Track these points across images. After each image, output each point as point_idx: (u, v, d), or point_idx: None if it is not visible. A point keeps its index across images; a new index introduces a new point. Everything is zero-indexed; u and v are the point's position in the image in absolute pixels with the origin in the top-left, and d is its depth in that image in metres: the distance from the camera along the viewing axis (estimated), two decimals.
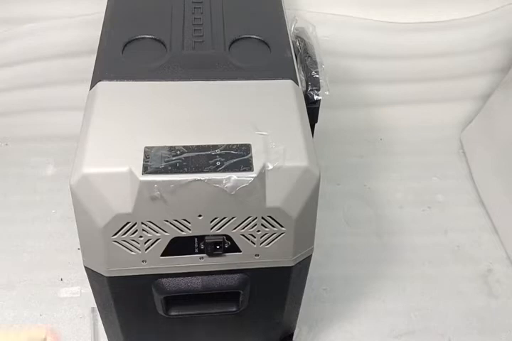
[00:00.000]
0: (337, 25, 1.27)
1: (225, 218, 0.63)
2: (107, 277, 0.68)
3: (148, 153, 0.60)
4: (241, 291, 0.73)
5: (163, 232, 0.63)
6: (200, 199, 0.60)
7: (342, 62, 1.33)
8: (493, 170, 1.28)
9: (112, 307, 0.74)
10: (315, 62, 0.82)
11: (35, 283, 1.10)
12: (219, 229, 0.64)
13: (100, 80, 0.69)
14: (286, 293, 0.78)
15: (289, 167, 0.61)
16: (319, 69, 0.80)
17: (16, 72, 1.29)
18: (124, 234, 0.62)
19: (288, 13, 0.88)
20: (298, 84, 0.74)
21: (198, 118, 0.65)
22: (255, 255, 0.68)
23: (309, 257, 0.73)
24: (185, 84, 0.70)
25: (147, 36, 0.77)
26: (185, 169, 0.59)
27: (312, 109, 0.78)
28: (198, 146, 0.61)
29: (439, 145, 1.44)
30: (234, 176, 0.59)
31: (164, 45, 0.76)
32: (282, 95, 0.70)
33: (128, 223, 0.62)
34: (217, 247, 0.65)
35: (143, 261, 0.66)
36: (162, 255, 0.66)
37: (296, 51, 0.84)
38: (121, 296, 0.73)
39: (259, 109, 0.68)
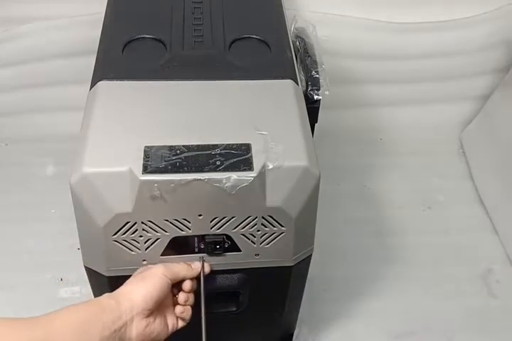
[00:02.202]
0: (337, 25, 1.28)
1: (225, 218, 0.63)
2: (107, 277, 0.68)
3: (148, 153, 0.60)
4: (241, 291, 0.73)
5: (163, 232, 0.63)
6: (200, 198, 0.60)
7: (342, 62, 1.33)
8: (493, 170, 1.28)
9: None
10: (315, 62, 0.82)
11: (35, 283, 1.10)
12: (219, 228, 0.64)
13: (100, 80, 0.70)
14: (286, 293, 0.78)
15: (289, 167, 0.61)
16: (319, 69, 0.80)
17: (16, 72, 1.29)
18: (124, 233, 0.62)
19: (288, 13, 0.88)
20: (298, 84, 0.74)
21: (197, 118, 0.65)
22: (255, 255, 0.68)
23: (309, 257, 0.73)
24: (185, 84, 0.70)
25: (147, 36, 0.77)
26: (185, 168, 0.59)
27: (312, 109, 0.78)
28: (198, 146, 0.61)
29: (439, 145, 1.44)
30: (234, 176, 0.59)
31: (164, 45, 0.76)
32: (282, 95, 0.70)
33: (128, 223, 0.61)
34: (217, 247, 0.65)
35: (143, 261, 0.66)
36: (162, 255, 0.66)
37: (296, 51, 0.84)
38: None
39: (259, 109, 0.68)
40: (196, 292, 0.65)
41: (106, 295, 0.57)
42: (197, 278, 0.65)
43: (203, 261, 0.66)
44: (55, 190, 1.26)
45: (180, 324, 0.64)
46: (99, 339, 0.52)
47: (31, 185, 1.29)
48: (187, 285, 0.63)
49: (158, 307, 0.60)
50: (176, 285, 0.63)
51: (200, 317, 0.63)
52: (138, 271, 0.63)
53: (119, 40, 0.76)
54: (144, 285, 0.58)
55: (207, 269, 0.66)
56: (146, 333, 0.58)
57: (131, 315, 0.56)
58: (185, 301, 0.63)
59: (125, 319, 0.55)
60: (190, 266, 0.64)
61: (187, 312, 0.63)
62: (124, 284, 0.59)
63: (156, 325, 0.59)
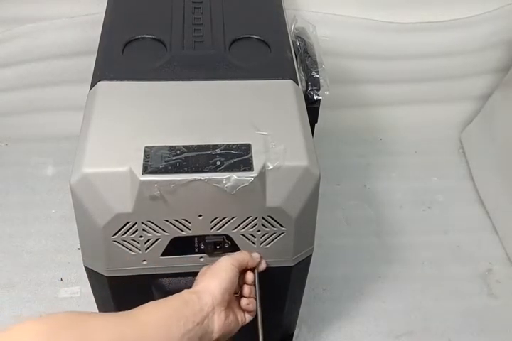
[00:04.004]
0: (337, 25, 1.27)
1: (225, 218, 0.63)
2: (107, 277, 0.68)
3: (148, 153, 0.60)
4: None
5: (163, 232, 0.63)
6: (200, 199, 0.60)
7: (342, 62, 1.33)
8: (492, 170, 1.28)
9: (112, 307, 0.74)
10: (315, 62, 0.82)
11: (35, 283, 1.10)
12: (219, 229, 0.64)
13: (100, 80, 0.70)
14: (286, 293, 0.78)
15: (289, 167, 0.61)
16: (319, 69, 0.80)
17: (16, 72, 1.29)
18: (124, 233, 0.62)
19: (288, 13, 0.89)
20: (298, 84, 0.74)
21: (198, 118, 0.65)
22: None
23: (309, 257, 0.73)
24: (185, 84, 0.70)
25: (147, 36, 0.77)
26: (186, 169, 0.59)
27: (312, 109, 0.78)
28: (198, 146, 0.61)
29: (439, 145, 1.44)
30: (234, 176, 0.59)
31: (164, 45, 0.76)
32: (282, 95, 0.70)
33: (128, 223, 0.62)
34: (218, 247, 0.65)
35: (143, 261, 0.66)
36: (162, 255, 0.66)
37: (296, 51, 0.84)
38: (121, 296, 0.73)
39: (259, 109, 0.68)
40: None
41: (186, 290, 0.58)
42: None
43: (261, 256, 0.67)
44: (55, 190, 1.27)
45: (248, 317, 0.64)
46: (184, 331, 0.53)
47: (31, 185, 1.29)
48: (249, 277, 0.64)
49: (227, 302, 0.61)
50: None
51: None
52: (202, 270, 0.63)
53: (119, 40, 0.76)
54: (218, 279, 0.59)
55: (263, 265, 0.67)
56: (226, 325, 0.59)
57: (212, 307, 0.57)
58: (250, 293, 0.64)
59: (207, 311, 0.56)
60: (250, 255, 0.65)
61: (252, 304, 0.64)
62: (197, 282, 0.61)
63: (232, 318, 0.61)
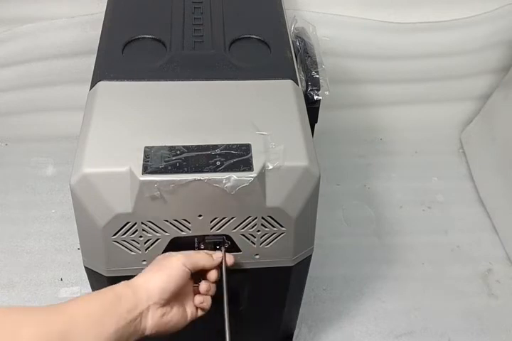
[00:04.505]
0: (337, 25, 1.28)
1: (225, 218, 0.63)
2: (107, 277, 0.68)
3: (148, 153, 0.60)
4: (241, 291, 0.73)
5: (163, 232, 0.63)
6: (200, 199, 0.60)
7: (342, 62, 1.33)
8: (493, 170, 1.28)
9: None
10: (315, 62, 0.82)
11: (35, 283, 1.10)
12: (219, 229, 0.64)
13: (100, 80, 0.70)
14: (286, 293, 0.78)
15: (289, 167, 0.61)
16: (319, 69, 0.80)
17: (16, 72, 1.29)
18: (124, 234, 0.62)
19: (288, 13, 0.89)
20: (298, 84, 0.74)
21: (198, 118, 0.65)
22: (255, 255, 0.68)
23: (309, 257, 0.73)
24: (185, 84, 0.70)
25: (147, 36, 0.77)
26: (185, 169, 0.59)
27: (312, 109, 0.78)
28: (198, 146, 0.61)
29: (439, 145, 1.44)
30: (234, 176, 0.59)
31: (164, 45, 0.76)
32: (282, 95, 0.70)
33: (128, 223, 0.62)
34: (217, 247, 0.65)
35: (143, 261, 0.66)
36: None
37: (296, 51, 0.84)
38: None
39: (259, 109, 0.68)
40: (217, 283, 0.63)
41: (123, 283, 0.56)
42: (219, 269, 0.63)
43: (225, 252, 0.64)
44: (55, 190, 1.27)
45: (200, 313, 0.62)
46: (114, 329, 0.52)
47: (31, 185, 1.29)
48: (212, 275, 0.62)
49: (177, 296, 0.59)
50: (197, 274, 0.62)
51: (220, 309, 0.61)
52: (157, 258, 0.61)
53: (119, 40, 0.76)
54: (161, 276, 0.57)
55: (230, 261, 0.64)
56: (162, 323, 0.57)
57: (147, 305, 0.55)
58: (207, 291, 0.62)
59: (141, 309, 0.54)
60: (211, 256, 0.62)
61: (207, 302, 0.62)
62: (142, 272, 0.58)
63: (173, 315, 0.58)
